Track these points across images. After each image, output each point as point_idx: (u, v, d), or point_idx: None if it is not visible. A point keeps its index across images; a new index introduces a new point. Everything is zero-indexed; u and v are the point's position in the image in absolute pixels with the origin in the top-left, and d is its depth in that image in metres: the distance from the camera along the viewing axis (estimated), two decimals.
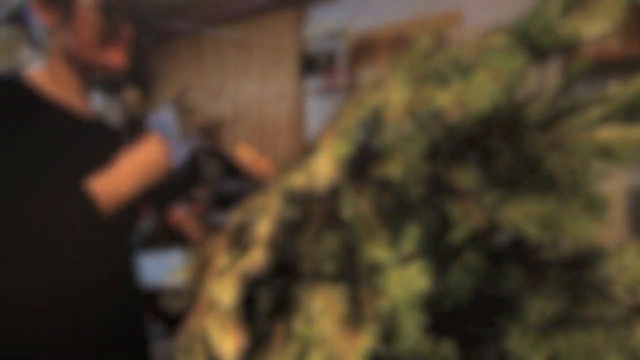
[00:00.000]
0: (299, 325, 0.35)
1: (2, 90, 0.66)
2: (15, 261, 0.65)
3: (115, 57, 0.75)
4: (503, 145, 0.38)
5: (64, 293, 0.70)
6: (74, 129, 0.73)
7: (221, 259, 0.38)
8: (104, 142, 0.80)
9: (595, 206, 0.33)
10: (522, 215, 0.34)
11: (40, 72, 0.74)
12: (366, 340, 0.31)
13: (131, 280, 0.84)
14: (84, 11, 0.70)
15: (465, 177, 0.36)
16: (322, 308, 0.34)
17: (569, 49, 0.36)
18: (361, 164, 0.38)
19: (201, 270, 0.42)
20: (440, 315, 0.37)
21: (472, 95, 0.32)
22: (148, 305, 1.09)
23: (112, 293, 0.77)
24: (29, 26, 0.75)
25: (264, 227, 0.36)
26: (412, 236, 0.35)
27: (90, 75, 0.78)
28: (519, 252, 0.42)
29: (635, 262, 0.40)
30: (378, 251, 0.34)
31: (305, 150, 0.41)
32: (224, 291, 0.35)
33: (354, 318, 0.33)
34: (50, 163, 0.67)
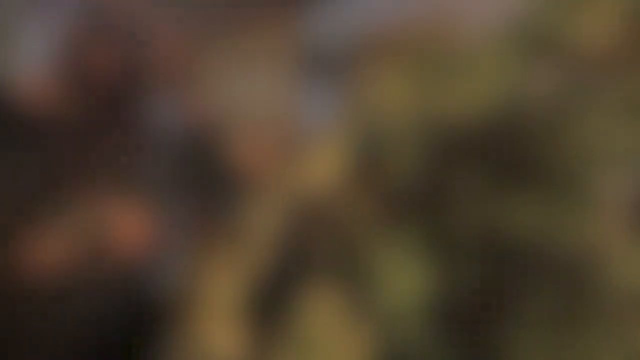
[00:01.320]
0: (299, 325, 0.35)
1: None
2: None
3: (101, 56, 0.73)
4: (503, 145, 0.38)
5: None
6: (54, 146, 0.71)
7: (221, 259, 0.38)
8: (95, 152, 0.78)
9: (595, 206, 0.33)
10: (522, 216, 0.34)
11: (37, 78, 0.73)
12: (366, 340, 0.31)
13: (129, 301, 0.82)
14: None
15: (466, 177, 0.36)
16: (322, 308, 0.34)
17: (569, 48, 0.35)
18: (362, 164, 0.38)
19: (201, 269, 0.42)
20: (441, 315, 0.37)
21: (472, 95, 0.32)
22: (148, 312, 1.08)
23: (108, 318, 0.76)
24: (22, 32, 0.74)
25: (264, 227, 0.36)
26: (413, 236, 0.35)
27: (85, 77, 0.77)
28: (519, 252, 0.42)
29: (636, 263, 0.40)
30: (378, 251, 0.34)
31: (305, 150, 0.41)
32: (224, 291, 0.35)
33: (354, 318, 0.33)
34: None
